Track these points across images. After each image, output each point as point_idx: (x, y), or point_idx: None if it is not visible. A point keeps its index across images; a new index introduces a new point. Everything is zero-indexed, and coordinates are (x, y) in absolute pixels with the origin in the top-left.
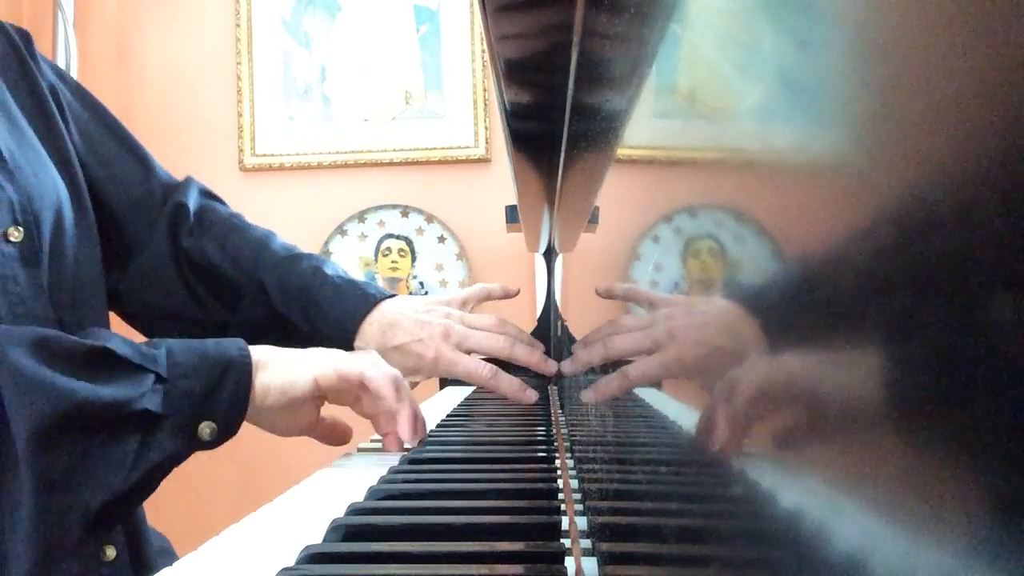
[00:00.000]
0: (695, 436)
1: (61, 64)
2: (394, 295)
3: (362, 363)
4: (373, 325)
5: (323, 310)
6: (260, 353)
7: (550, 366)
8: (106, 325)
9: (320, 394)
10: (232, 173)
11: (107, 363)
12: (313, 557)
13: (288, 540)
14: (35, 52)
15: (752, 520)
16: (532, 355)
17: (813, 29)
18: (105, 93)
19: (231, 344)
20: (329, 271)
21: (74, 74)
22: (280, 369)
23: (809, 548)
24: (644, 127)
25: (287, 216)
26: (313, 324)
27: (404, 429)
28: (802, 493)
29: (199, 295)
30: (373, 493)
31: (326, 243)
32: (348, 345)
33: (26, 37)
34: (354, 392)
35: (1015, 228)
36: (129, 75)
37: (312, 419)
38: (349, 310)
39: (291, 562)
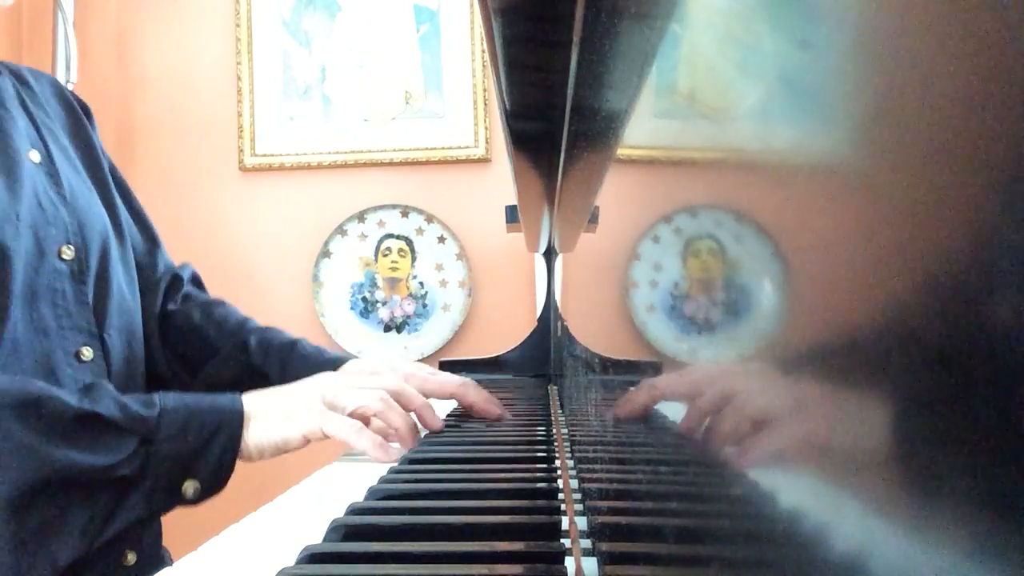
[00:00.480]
0: (695, 436)
1: (61, 64)
2: (355, 358)
3: (341, 424)
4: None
5: (301, 362)
6: (252, 405)
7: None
8: (142, 343)
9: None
10: (232, 173)
11: (93, 427)
12: (313, 557)
13: (288, 540)
14: (93, 122)
15: (752, 520)
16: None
17: (813, 29)
18: (105, 93)
19: (226, 402)
20: (305, 342)
21: (74, 74)
22: (272, 426)
23: (809, 548)
24: (644, 127)
25: (287, 216)
26: (287, 375)
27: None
28: (802, 493)
29: (172, 356)
30: (373, 493)
31: (326, 243)
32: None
33: (87, 109)
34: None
35: (1015, 228)
36: (129, 75)
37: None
38: (322, 363)
39: (291, 562)
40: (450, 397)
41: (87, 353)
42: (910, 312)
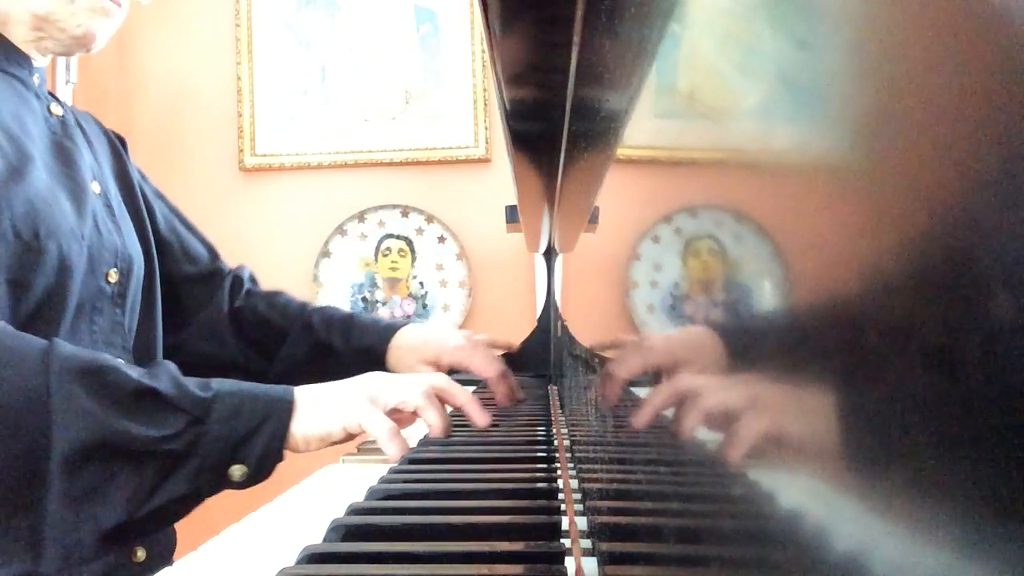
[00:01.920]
0: (694, 436)
1: (61, 65)
2: (408, 322)
3: (377, 423)
4: (397, 348)
5: (360, 331)
6: (302, 397)
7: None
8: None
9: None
10: (232, 173)
11: (149, 402)
12: (313, 557)
13: (288, 540)
14: (128, 154)
15: (752, 520)
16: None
17: (813, 29)
18: (106, 94)
19: (278, 392)
20: (360, 314)
21: (74, 75)
22: (317, 418)
23: (809, 548)
24: (644, 127)
25: (287, 216)
26: (350, 344)
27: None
28: (802, 493)
29: (246, 345)
30: (373, 493)
31: (326, 243)
32: (381, 356)
33: (123, 141)
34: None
35: (1015, 228)
36: (129, 76)
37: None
38: (380, 330)
39: (291, 562)
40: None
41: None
42: (910, 312)
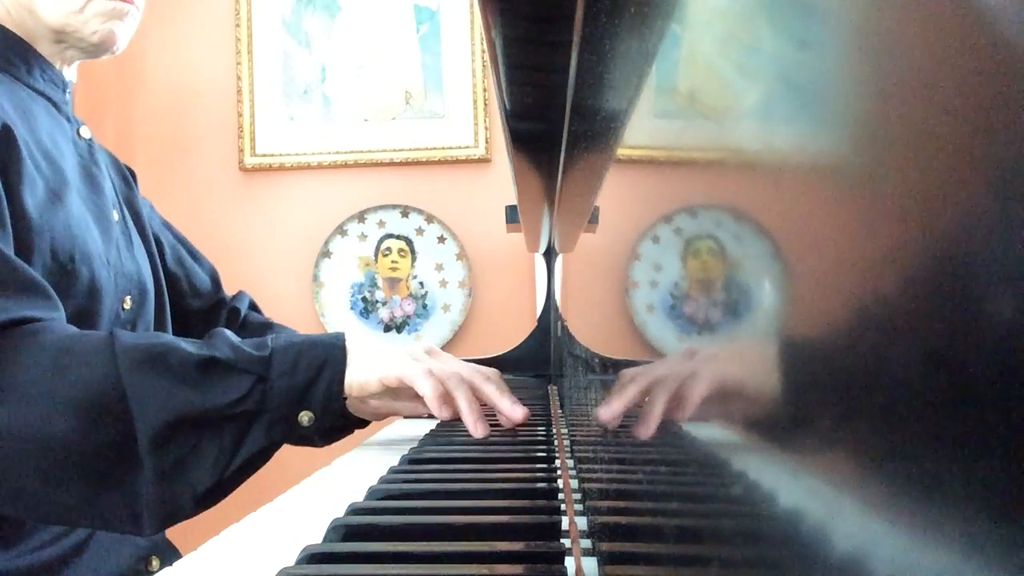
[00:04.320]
0: (694, 435)
1: None
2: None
3: (415, 369)
4: None
5: None
6: (353, 345)
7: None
8: None
9: (388, 388)
10: (232, 173)
11: (214, 371)
12: (313, 557)
13: (288, 540)
14: (137, 185)
15: (752, 520)
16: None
17: (813, 29)
18: (106, 94)
19: (330, 342)
20: None
21: (74, 74)
22: (361, 366)
23: (808, 548)
24: (644, 127)
25: (287, 216)
26: None
27: (467, 420)
28: (801, 493)
29: None
30: (373, 493)
31: (326, 243)
32: None
33: (133, 174)
34: (412, 390)
35: (1014, 227)
36: (129, 76)
37: (385, 408)
38: None
39: (291, 562)
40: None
41: None
42: (910, 311)
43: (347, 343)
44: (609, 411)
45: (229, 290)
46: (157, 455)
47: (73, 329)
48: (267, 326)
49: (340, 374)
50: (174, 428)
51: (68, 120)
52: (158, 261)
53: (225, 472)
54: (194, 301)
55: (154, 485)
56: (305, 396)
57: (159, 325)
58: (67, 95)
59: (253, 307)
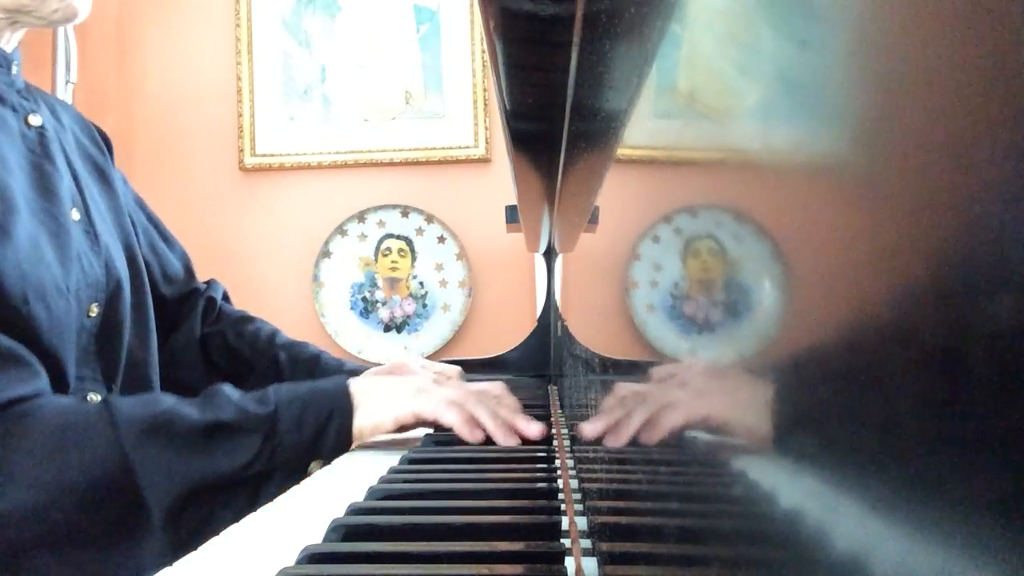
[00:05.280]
0: (694, 436)
1: (61, 64)
2: (374, 365)
3: (431, 403)
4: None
5: (325, 373)
6: (358, 390)
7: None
8: (155, 390)
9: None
10: (232, 173)
11: (220, 434)
12: (313, 557)
13: (288, 540)
14: (112, 154)
15: (752, 520)
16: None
17: (813, 29)
18: (105, 94)
19: (333, 388)
20: (327, 355)
21: (74, 75)
22: (371, 410)
23: (809, 548)
24: (644, 127)
25: (287, 216)
26: None
27: (496, 436)
28: (802, 493)
29: (214, 372)
30: (373, 493)
31: (326, 243)
32: None
33: (108, 141)
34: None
35: (1015, 228)
36: (129, 75)
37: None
38: (347, 371)
39: (291, 562)
40: None
41: (94, 398)
42: (910, 312)
43: (351, 387)
44: (593, 429)
45: (229, 291)
46: (172, 528)
47: (62, 401)
48: (246, 319)
49: (348, 422)
50: (186, 500)
51: (13, 109)
52: (133, 239)
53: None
54: (167, 289)
55: (170, 556)
56: (314, 448)
57: (139, 314)
58: (11, 74)
59: (225, 297)
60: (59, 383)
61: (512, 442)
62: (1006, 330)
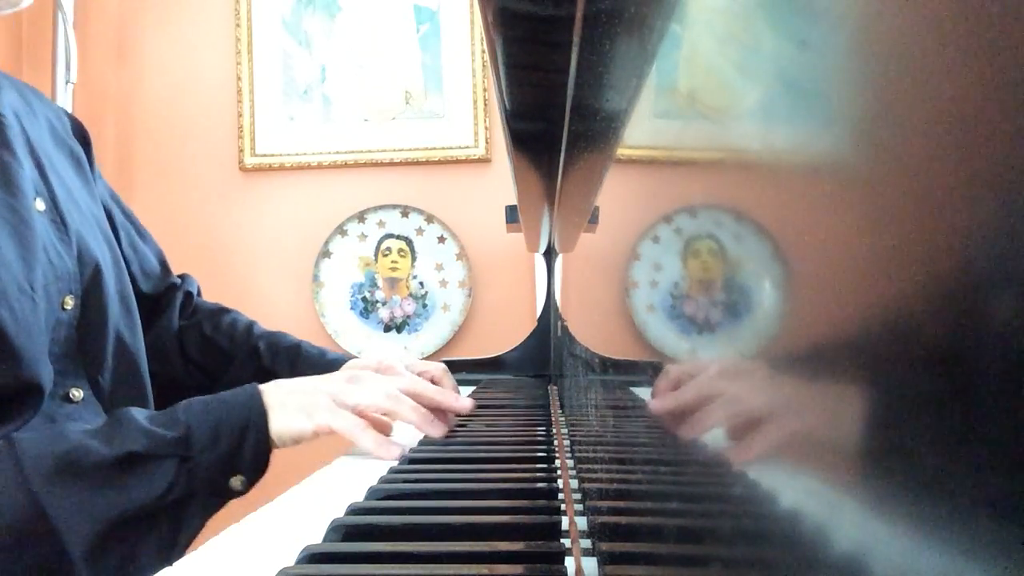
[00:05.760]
0: (695, 435)
1: (61, 64)
2: (354, 358)
3: (347, 421)
4: None
5: (306, 363)
6: (270, 398)
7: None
8: (145, 380)
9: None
10: (232, 173)
11: (133, 465)
12: (313, 557)
13: (288, 540)
14: (91, 147)
15: (752, 520)
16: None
17: (813, 29)
18: (105, 93)
19: (245, 398)
20: (308, 345)
21: (74, 74)
22: (289, 418)
23: (809, 548)
24: (644, 127)
25: (287, 216)
26: (295, 374)
27: (423, 430)
28: (802, 493)
29: (191, 365)
30: (373, 493)
31: (326, 243)
32: None
33: (85, 135)
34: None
35: (1015, 228)
36: (129, 75)
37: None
38: (327, 363)
39: (291, 562)
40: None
41: (77, 394)
42: (910, 312)
43: (264, 396)
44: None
45: (229, 291)
46: (95, 566)
47: None
48: (222, 311)
49: (264, 432)
50: (106, 537)
51: None
52: (110, 232)
53: (172, 555)
54: (144, 284)
55: None
56: (232, 463)
57: (123, 299)
58: None
59: (198, 291)
60: (31, 387)
61: (438, 433)
62: (1007, 330)
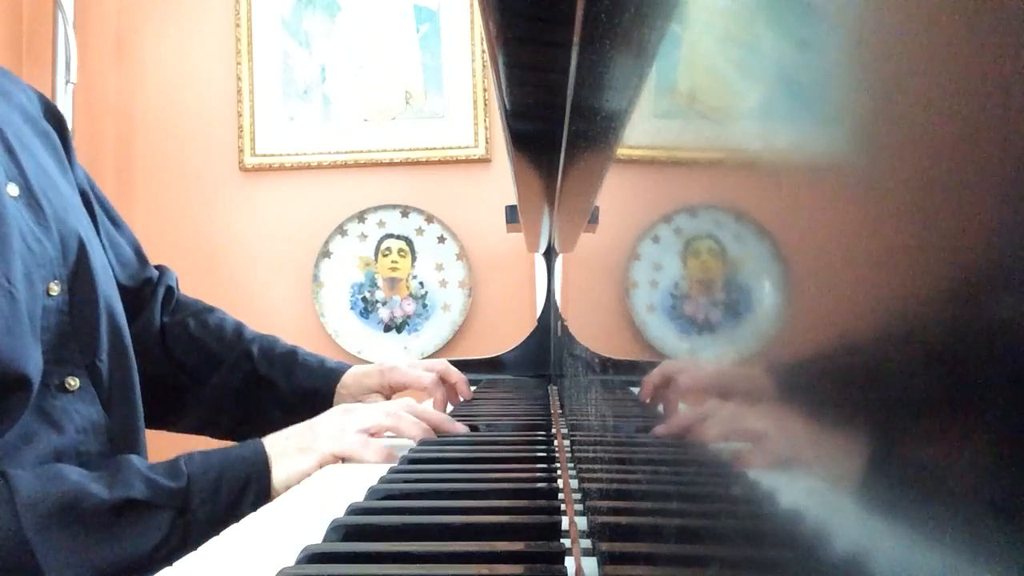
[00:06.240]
0: (695, 435)
1: (61, 64)
2: (352, 367)
3: (348, 442)
4: (343, 387)
5: (305, 371)
6: (272, 449)
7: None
8: (132, 360)
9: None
10: (232, 173)
11: (131, 514)
12: (313, 557)
13: (288, 540)
14: (67, 133)
15: (752, 520)
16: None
17: (813, 29)
18: (105, 93)
19: (249, 453)
20: (304, 351)
21: (74, 75)
22: (291, 463)
23: (809, 548)
24: (644, 127)
25: (287, 216)
26: (294, 383)
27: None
28: (802, 493)
29: (175, 365)
30: (373, 493)
31: (326, 243)
32: (327, 398)
33: (61, 120)
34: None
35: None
36: (129, 75)
37: None
38: (326, 372)
39: (291, 562)
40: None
41: (73, 383)
42: (910, 311)
43: (267, 448)
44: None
45: (229, 291)
46: None
47: None
48: (207, 309)
49: (266, 488)
50: None
51: None
52: (93, 210)
53: None
54: (121, 275)
55: None
56: (229, 518)
57: (109, 281)
58: None
59: (177, 285)
60: (18, 382)
61: (461, 430)
62: (1007, 330)
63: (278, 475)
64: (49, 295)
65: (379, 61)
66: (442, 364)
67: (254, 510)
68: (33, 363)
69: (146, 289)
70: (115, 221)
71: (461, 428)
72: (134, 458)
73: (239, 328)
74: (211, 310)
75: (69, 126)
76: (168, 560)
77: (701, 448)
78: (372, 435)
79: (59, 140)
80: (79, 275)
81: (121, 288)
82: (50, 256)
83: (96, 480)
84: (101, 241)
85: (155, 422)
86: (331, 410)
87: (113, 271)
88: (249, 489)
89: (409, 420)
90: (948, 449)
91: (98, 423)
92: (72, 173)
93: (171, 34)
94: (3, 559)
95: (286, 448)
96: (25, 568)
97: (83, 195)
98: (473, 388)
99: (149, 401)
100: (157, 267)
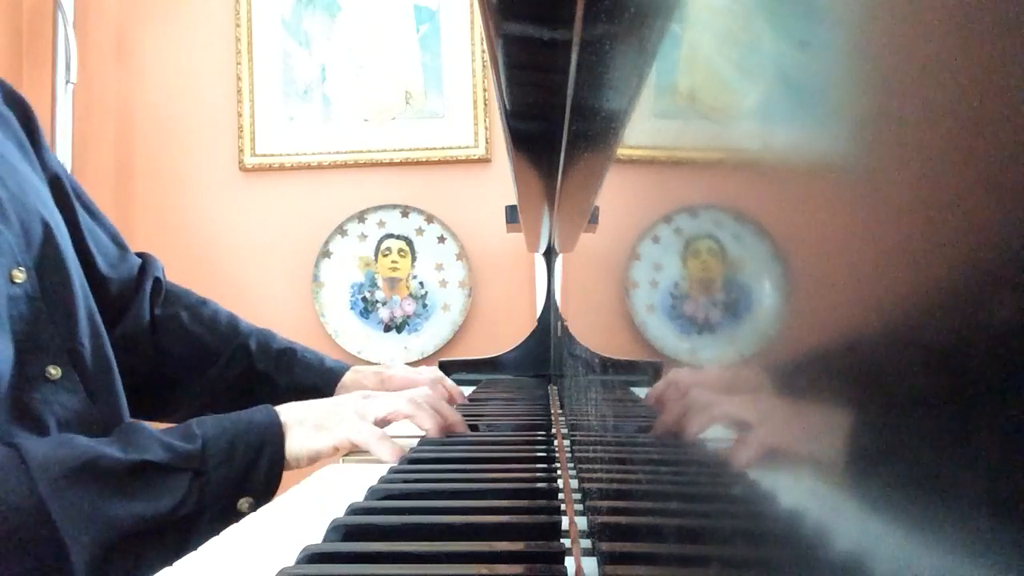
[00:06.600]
0: (694, 435)
1: (61, 64)
2: (352, 366)
3: (365, 431)
4: (343, 387)
5: (306, 369)
6: (288, 416)
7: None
8: (108, 343)
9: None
10: (232, 173)
11: (146, 475)
12: (313, 557)
13: (288, 540)
14: (35, 124)
15: (752, 520)
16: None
17: (813, 29)
18: (105, 93)
19: (263, 418)
20: (303, 348)
21: (74, 75)
22: (307, 436)
23: (809, 548)
24: (644, 127)
25: (287, 216)
26: (294, 380)
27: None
28: (802, 493)
29: (168, 358)
30: (373, 493)
31: (326, 243)
32: (327, 393)
33: (26, 109)
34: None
35: (1015, 228)
36: (129, 75)
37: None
38: (326, 371)
39: (291, 562)
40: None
41: (54, 372)
42: (910, 312)
43: (282, 416)
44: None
45: (229, 291)
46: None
47: None
48: (200, 301)
49: (280, 455)
50: (112, 548)
51: None
52: (50, 197)
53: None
54: (103, 266)
55: None
56: (244, 483)
57: (80, 267)
58: None
59: (163, 274)
60: None
61: (461, 428)
62: (1007, 330)
63: (292, 444)
64: (13, 282)
65: (379, 61)
66: (436, 374)
67: (268, 479)
68: (3, 357)
69: (132, 283)
70: (91, 210)
71: (465, 429)
72: (144, 424)
73: (233, 321)
74: (204, 302)
75: (68, 125)
76: (187, 523)
77: (701, 448)
78: (387, 421)
79: (21, 125)
80: (48, 259)
81: (104, 279)
82: (10, 242)
83: (110, 444)
84: (81, 230)
85: (146, 416)
86: (352, 393)
87: (95, 261)
88: (263, 453)
89: (428, 412)
90: (948, 449)
91: (83, 412)
92: (40, 159)
93: (171, 34)
94: (21, 522)
95: (303, 419)
96: (43, 533)
97: (56, 182)
98: (473, 388)
99: (140, 395)
100: (140, 255)
